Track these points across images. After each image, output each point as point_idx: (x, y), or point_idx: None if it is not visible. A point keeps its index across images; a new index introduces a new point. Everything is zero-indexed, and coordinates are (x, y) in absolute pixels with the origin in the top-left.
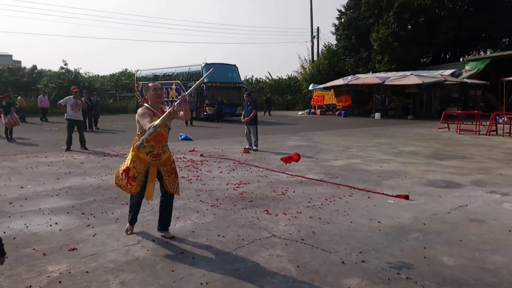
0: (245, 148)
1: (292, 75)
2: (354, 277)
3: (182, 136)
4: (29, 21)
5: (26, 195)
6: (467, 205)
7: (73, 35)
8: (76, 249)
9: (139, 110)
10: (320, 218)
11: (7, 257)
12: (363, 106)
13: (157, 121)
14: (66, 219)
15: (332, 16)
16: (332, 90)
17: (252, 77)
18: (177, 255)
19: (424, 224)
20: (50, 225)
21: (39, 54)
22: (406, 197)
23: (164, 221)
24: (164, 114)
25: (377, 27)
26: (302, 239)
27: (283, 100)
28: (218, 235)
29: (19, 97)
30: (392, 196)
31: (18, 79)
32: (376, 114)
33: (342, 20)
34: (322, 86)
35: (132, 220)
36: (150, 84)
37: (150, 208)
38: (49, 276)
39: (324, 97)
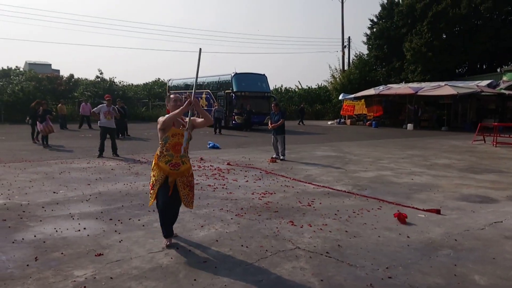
0: (272, 158)
1: (322, 85)
2: None
3: (210, 145)
4: (67, 32)
5: (58, 200)
6: (502, 222)
7: (108, 45)
8: (102, 254)
9: (159, 119)
10: (346, 231)
11: (36, 260)
12: (394, 116)
13: (177, 111)
14: (94, 224)
15: (363, 25)
16: (362, 100)
17: (282, 86)
18: (199, 264)
19: (456, 240)
20: (79, 230)
21: (77, 63)
22: (438, 212)
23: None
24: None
25: (410, 37)
26: (327, 252)
27: (313, 110)
28: (242, 245)
29: (59, 105)
30: (423, 210)
31: (56, 87)
32: (408, 125)
33: (374, 29)
34: (352, 95)
35: (167, 234)
36: (171, 96)
37: None
38: (74, 281)
39: (355, 107)
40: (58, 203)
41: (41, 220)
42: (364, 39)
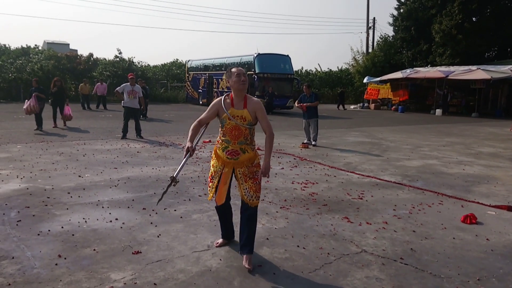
0: (303, 143)
1: (344, 68)
2: None
3: None
4: (85, 10)
5: (84, 184)
6: None
7: (127, 24)
8: (140, 252)
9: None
10: (414, 231)
11: (65, 258)
12: (421, 101)
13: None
14: (127, 215)
15: (388, 6)
16: (388, 84)
17: (302, 68)
18: (254, 268)
19: None
20: (110, 221)
21: (95, 43)
22: (509, 209)
23: (242, 240)
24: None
25: (440, 18)
26: (401, 258)
27: (334, 93)
28: (298, 246)
29: (81, 84)
30: (491, 206)
31: (75, 66)
32: (437, 110)
33: (401, 10)
34: (378, 79)
35: (223, 234)
36: (233, 70)
37: (213, 207)
38: (112, 287)
39: (379, 91)
40: (85, 189)
41: (67, 208)
42: (390, 20)
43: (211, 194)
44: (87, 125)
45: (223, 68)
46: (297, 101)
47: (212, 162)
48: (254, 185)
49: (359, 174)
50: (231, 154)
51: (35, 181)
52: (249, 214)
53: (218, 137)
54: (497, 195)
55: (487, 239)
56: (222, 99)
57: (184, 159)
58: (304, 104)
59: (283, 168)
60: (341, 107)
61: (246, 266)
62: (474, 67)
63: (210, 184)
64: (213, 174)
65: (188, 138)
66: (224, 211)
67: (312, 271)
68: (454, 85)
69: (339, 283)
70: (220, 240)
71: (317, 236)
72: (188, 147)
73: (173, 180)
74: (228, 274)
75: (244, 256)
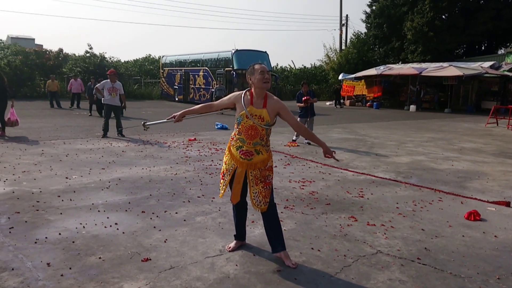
0: (292, 141)
1: (317, 64)
2: None
3: (218, 126)
4: (51, 3)
5: (74, 187)
6: None
7: (97, 18)
8: (150, 259)
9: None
10: (423, 230)
11: (70, 268)
12: (394, 97)
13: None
14: (126, 219)
15: (361, 3)
16: (362, 81)
17: (277, 65)
18: (274, 274)
19: None
20: (110, 226)
21: (61, 38)
22: (508, 204)
23: (272, 240)
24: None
25: (412, 16)
26: (418, 258)
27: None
28: (312, 248)
29: (49, 81)
30: (490, 202)
31: (44, 62)
32: (411, 106)
33: (374, 7)
34: (353, 76)
35: (237, 235)
36: (256, 66)
37: (217, 208)
38: None
39: (355, 88)
40: (75, 191)
41: (61, 213)
42: (363, 17)
43: (223, 192)
44: (63, 123)
45: (199, 64)
46: (297, 101)
47: (225, 159)
48: (264, 190)
49: (353, 171)
50: (245, 154)
51: (20, 184)
52: (268, 215)
53: (233, 134)
54: (492, 190)
55: (495, 236)
56: (243, 94)
57: (166, 119)
58: (308, 97)
59: (276, 166)
60: (338, 105)
61: (291, 265)
62: (445, 64)
63: (222, 181)
64: (224, 172)
65: (189, 108)
66: (241, 209)
67: (333, 275)
68: (426, 81)
69: (364, 286)
70: (232, 244)
71: (329, 237)
72: (177, 114)
73: (144, 124)
74: (248, 281)
75: (282, 254)
